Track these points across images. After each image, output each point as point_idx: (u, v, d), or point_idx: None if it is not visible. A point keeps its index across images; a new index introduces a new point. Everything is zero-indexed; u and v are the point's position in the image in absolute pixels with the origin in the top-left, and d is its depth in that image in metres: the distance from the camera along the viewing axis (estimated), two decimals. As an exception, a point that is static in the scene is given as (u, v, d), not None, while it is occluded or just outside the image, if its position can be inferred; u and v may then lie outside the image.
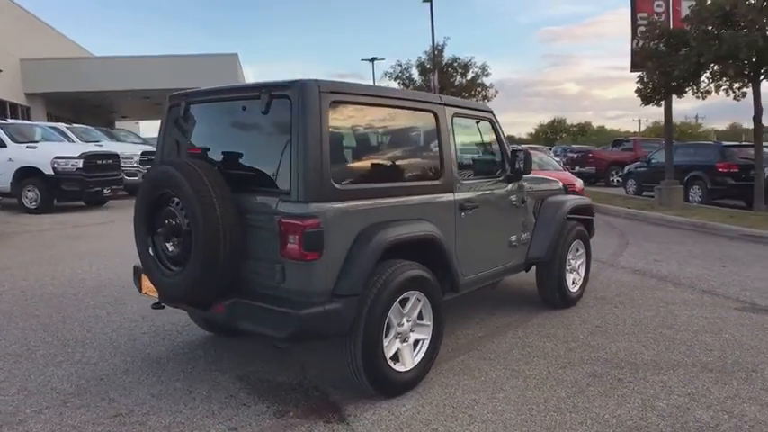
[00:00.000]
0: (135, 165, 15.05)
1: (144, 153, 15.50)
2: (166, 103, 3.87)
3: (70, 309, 5.25)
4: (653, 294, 5.84)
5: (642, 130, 65.00)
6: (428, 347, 3.59)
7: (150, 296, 3.78)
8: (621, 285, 6.19)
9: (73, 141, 14.60)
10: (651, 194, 15.14)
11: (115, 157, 13.15)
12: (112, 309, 5.25)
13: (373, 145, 3.64)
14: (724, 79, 11.39)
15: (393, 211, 3.40)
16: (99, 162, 12.40)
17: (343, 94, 3.23)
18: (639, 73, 12.75)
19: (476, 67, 31.83)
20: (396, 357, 3.41)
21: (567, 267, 5.17)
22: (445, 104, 3.96)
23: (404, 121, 3.74)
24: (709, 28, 10.36)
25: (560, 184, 5.74)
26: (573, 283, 5.32)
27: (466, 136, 4.17)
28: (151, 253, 3.42)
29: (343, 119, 3.28)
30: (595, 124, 75.73)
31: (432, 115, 3.84)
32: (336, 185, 3.10)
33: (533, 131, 77.42)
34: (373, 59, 44.25)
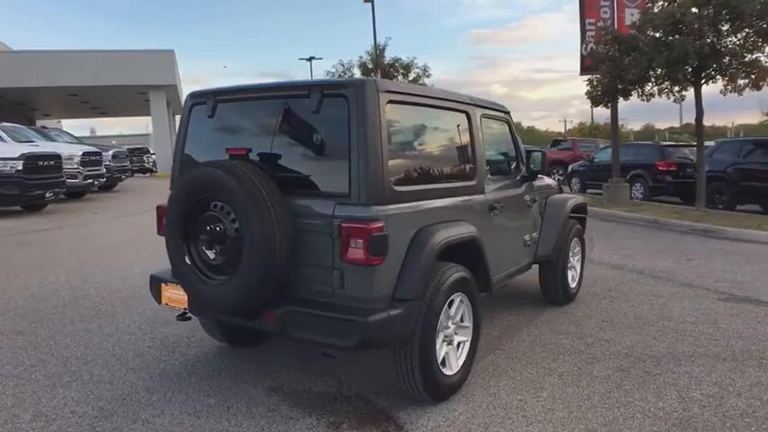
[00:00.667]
0: (76, 166, 14.14)
1: (85, 154, 14.60)
2: (188, 100, 3.65)
3: (54, 323, 4.84)
4: (639, 288, 6.08)
5: (568, 129, 67.80)
6: (469, 349, 3.57)
7: (173, 307, 3.56)
8: (606, 281, 6.41)
9: (5, 141, 13.53)
10: (595, 192, 15.87)
11: (57, 158, 12.31)
12: (102, 321, 4.89)
13: (421, 146, 3.57)
14: (667, 83, 12.06)
15: (440, 213, 3.36)
16: (40, 164, 11.56)
17: (396, 93, 3.15)
18: (589, 76, 13.29)
19: (417, 67, 32.17)
20: (443, 361, 3.36)
21: (568, 265, 5.29)
22: (476, 105, 3.95)
23: (445, 121, 3.70)
24: (658, 35, 10.92)
25: (555, 183, 5.88)
26: (572, 279, 5.46)
27: (490, 136, 4.18)
28: (188, 262, 3.20)
29: (396, 119, 3.19)
30: (522, 125, 78.24)
31: (465, 116, 3.82)
32: (394, 187, 3.02)
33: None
34: (311, 58, 43.91)
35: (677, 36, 10.47)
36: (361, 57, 33.06)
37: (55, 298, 5.63)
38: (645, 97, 12.72)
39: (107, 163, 16.57)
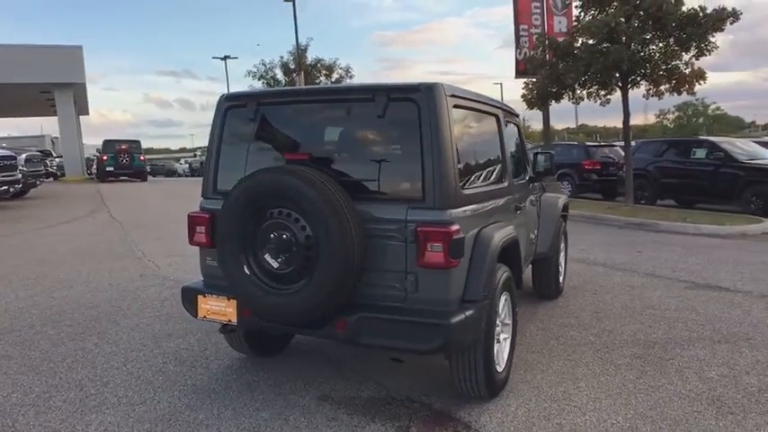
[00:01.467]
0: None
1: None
2: (222, 103, 3.49)
3: (41, 344, 4.45)
4: (612, 280, 6.50)
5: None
6: (510, 346, 3.68)
7: (214, 320, 3.40)
8: (578, 274, 6.77)
9: None
10: None
11: (12, 158, 11.28)
12: (97, 339, 4.56)
13: (474, 149, 3.63)
14: (595, 87, 12.89)
15: (492, 214, 3.45)
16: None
17: (458, 98, 3.19)
18: (525, 80, 13.94)
19: (341, 68, 32.14)
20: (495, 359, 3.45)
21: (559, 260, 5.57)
22: (501, 108, 4.08)
23: (487, 124, 3.78)
24: (591, 42, 11.66)
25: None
26: (560, 274, 5.74)
27: (509, 139, 4.32)
28: (247, 272, 3.07)
29: (458, 123, 3.23)
30: None
31: (496, 119, 3.93)
32: (462, 190, 3.07)
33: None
34: (226, 57, 42.61)
35: (609, 44, 11.23)
36: (282, 57, 32.61)
37: (27, 316, 5.16)
38: (575, 100, 13.53)
39: (21, 167, 15.24)
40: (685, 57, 11.62)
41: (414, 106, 2.95)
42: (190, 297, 3.49)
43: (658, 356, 4.14)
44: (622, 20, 10.75)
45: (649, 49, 11.61)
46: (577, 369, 3.92)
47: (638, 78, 11.86)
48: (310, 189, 2.82)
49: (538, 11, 14.24)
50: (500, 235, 3.32)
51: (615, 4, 11.65)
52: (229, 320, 3.34)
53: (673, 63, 11.59)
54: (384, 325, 2.93)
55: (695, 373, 3.85)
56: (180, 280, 6.42)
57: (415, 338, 2.89)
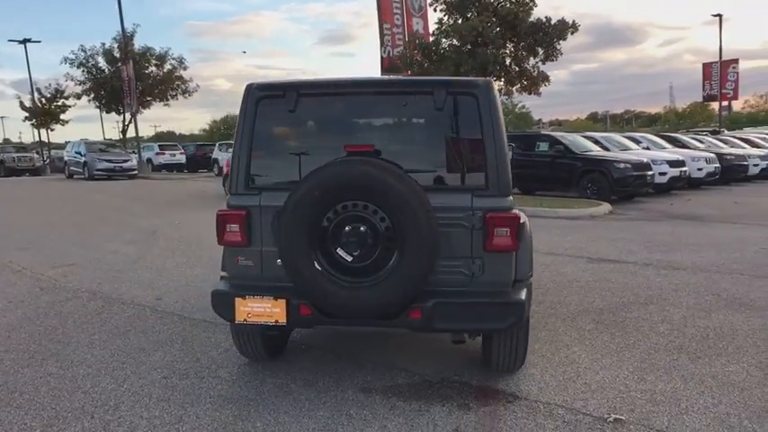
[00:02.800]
0: None
1: None
2: (252, 93, 3.29)
3: (33, 374, 3.75)
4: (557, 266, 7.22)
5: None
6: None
7: (257, 322, 3.23)
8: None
9: None
10: None
11: None
12: (57, 362, 3.97)
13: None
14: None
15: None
16: None
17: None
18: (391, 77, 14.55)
19: (173, 59, 30.14)
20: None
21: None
22: None
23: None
24: (455, 42, 12.62)
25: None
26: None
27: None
28: (318, 268, 2.97)
29: None
30: None
31: None
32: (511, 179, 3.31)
33: (207, 128, 76.29)
34: (26, 41, 37.34)
35: (474, 47, 12.26)
36: (103, 43, 29.66)
37: (-64, 347, 4.26)
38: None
39: None
40: (533, 61, 13.10)
41: (473, 100, 3.12)
42: (225, 300, 3.25)
43: (612, 320, 4.81)
44: (489, 25, 11.81)
45: (503, 53, 12.85)
46: (560, 337, 4.41)
47: (497, 79, 13.10)
48: (397, 181, 2.85)
49: (398, 11, 14.92)
50: (526, 218, 3.63)
51: (474, 10, 12.73)
52: (276, 321, 3.19)
53: (524, 66, 12.98)
54: (460, 309, 3.07)
55: (650, 330, 4.56)
56: (99, 292, 5.79)
57: (491, 319, 3.08)
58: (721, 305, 5.18)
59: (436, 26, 13.51)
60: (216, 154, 26.72)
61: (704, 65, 34.49)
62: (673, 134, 21.92)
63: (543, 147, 14.82)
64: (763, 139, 22.55)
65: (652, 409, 3.22)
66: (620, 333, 4.47)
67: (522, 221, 3.12)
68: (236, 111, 3.39)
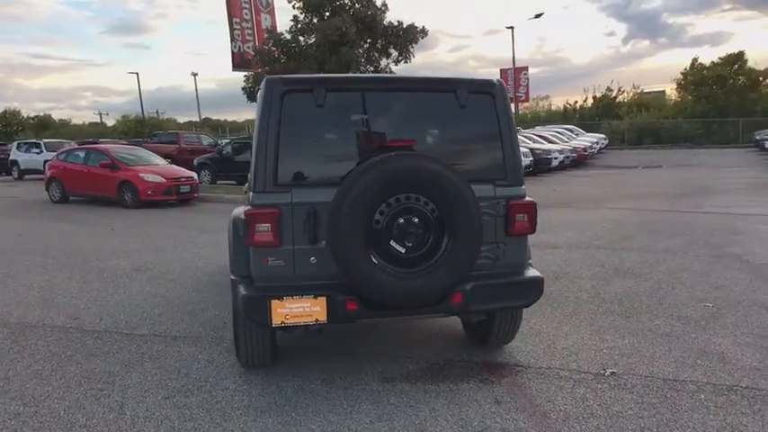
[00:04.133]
0: None
1: None
2: (276, 87, 3.17)
3: (-70, 428, 3.05)
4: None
5: (112, 123, 64.06)
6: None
7: (296, 323, 3.16)
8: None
9: None
10: (228, 183, 16.93)
11: None
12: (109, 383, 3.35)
13: None
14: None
15: None
16: None
17: None
18: (246, 73, 14.12)
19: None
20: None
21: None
22: None
23: None
24: (315, 41, 12.75)
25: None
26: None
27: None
28: (375, 261, 3.00)
29: None
30: (26, 114, 67.30)
31: None
32: None
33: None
34: None
35: (330, 45, 12.50)
36: None
37: None
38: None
39: None
40: (385, 61, 13.76)
41: (491, 99, 3.40)
42: (261, 304, 3.10)
43: (581, 292, 5.41)
44: (350, 25, 12.12)
45: (358, 53, 13.29)
46: (542, 309, 4.84)
47: (354, 77, 13.51)
48: (451, 173, 3.01)
49: (247, 5, 14.51)
50: None
51: (331, 11, 12.98)
52: (317, 320, 3.15)
53: (378, 66, 13.58)
54: (494, 290, 3.34)
55: (577, 299, 5.28)
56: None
57: (520, 296, 3.40)
58: (611, 274, 6.16)
59: (292, 23, 13.48)
60: (14, 155, 23.19)
61: (501, 71, 38.92)
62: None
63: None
64: (554, 135, 26.35)
65: (629, 361, 3.83)
66: (557, 304, 5.11)
67: (537, 208, 3.48)
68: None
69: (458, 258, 3.11)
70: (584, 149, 25.34)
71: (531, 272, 3.53)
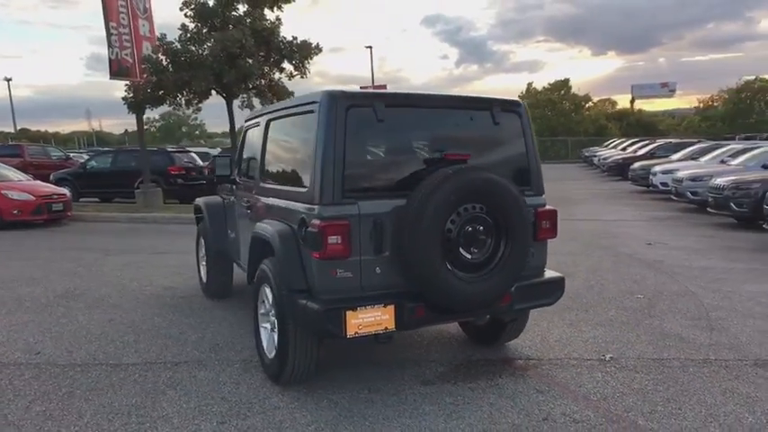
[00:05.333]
0: None
1: None
2: (340, 101, 3.22)
3: None
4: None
5: None
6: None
7: (368, 333, 3.23)
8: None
9: None
10: (89, 201, 15.61)
11: None
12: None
13: None
14: (192, 96, 13.49)
15: None
16: None
17: None
18: (127, 82, 13.12)
19: None
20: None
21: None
22: None
23: None
24: (203, 51, 12.34)
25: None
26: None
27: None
28: (449, 267, 3.18)
29: None
30: None
31: None
32: None
33: None
34: None
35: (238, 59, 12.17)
36: None
37: None
38: (176, 106, 13.75)
39: None
40: (278, 75, 13.68)
41: (517, 117, 3.76)
42: (336, 316, 3.12)
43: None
44: (250, 38, 11.88)
45: (259, 67, 13.01)
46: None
47: (252, 89, 13.20)
48: (509, 184, 3.31)
49: (124, 10, 13.48)
50: None
51: (224, 22, 12.67)
52: (386, 328, 3.24)
53: (272, 80, 13.46)
54: (531, 290, 3.67)
55: (577, 297, 5.81)
56: None
57: (549, 295, 3.78)
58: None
59: (181, 32, 12.80)
60: None
61: (361, 87, 40.29)
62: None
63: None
64: None
65: (615, 347, 4.40)
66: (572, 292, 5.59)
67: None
68: None
69: (513, 262, 3.41)
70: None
71: (550, 273, 3.93)
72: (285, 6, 13.26)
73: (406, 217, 3.16)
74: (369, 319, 3.19)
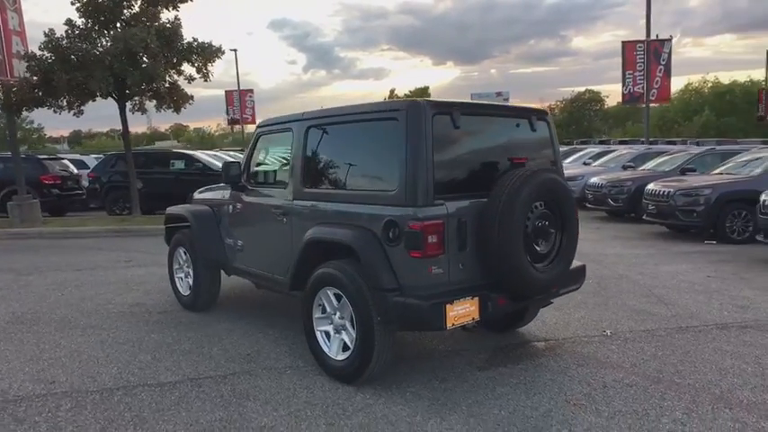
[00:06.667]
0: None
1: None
2: (427, 109, 3.45)
3: None
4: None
5: None
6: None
7: (461, 324, 3.50)
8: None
9: None
10: None
11: None
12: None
13: None
14: (74, 99, 12.35)
15: None
16: None
17: None
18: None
19: None
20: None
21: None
22: None
23: None
24: (97, 52, 11.44)
25: None
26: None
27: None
28: (528, 259, 3.54)
29: None
30: None
31: None
32: None
33: None
34: None
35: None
36: None
37: None
38: (56, 109, 12.48)
39: None
40: (175, 78, 12.99)
41: (546, 125, 4.23)
42: (437, 310, 3.34)
43: None
44: (155, 37, 11.18)
45: (157, 67, 12.19)
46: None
47: (149, 93, 12.38)
48: (566, 184, 3.76)
49: (-8, 0, 11.91)
50: None
51: (116, 20, 11.84)
52: (473, 318, 3.53)
53: (173, 83, 12.78)
54: (569, 277, 4.14)
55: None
56: None
57: (578, 281, 4.29)
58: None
59: (67, 28, 11.56)
60: None
61: (226, 92, 38.86)
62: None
63: (180, 165, 14.72)
64: None
65: (606, 324, 5.08)
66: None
67: None
68: None
69: (568, 251, 3.88)
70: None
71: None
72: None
73: (491, 215, 3.47)
74: (461, 311, 3.44)
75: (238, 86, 38.37)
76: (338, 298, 3.82)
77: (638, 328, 4.96)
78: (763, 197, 7.96)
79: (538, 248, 3.71)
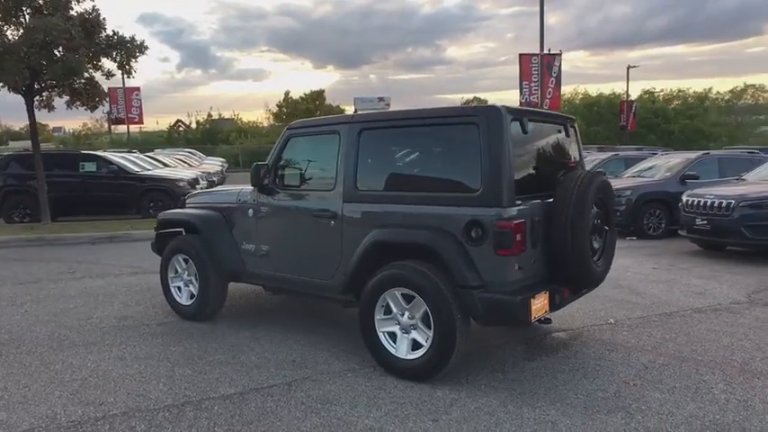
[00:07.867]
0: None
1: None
2: (505, 116, 3.65)
3: None
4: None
5: None
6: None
7: (540, 317, 3.75)
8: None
9: None
10: None
11: None
12: None
13: None
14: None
15: None
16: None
17: None
18: None
19: None
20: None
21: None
22: None
23: None
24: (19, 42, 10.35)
25: None
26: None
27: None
28: (590, 254, 3.85)
29: None
30: None
31: None
32: None
33: None
34: None
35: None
36: None
37: None
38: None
39: None
40: (93, 73, 12.02)
41: (574, 131, 4.60)
42: (524, 305, 3.54)
43: None
44: (78, 26, 10.24)
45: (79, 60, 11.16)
46: None
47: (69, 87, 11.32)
48: (611, 186, 4.13)
49: None
50: None
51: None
52: (546, 311, 3.79)
53: (92, 78, 11.83)
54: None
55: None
56: None
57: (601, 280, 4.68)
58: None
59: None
60: None
61: (110, 89, 35.91)
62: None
63: (91, 167, 13.58)
64: (181, 160, 25.59)
65: (604, 314, 5.56)
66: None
67: None
68: None
69: (611, 247, 4.25)
70: (221, 173, 26.31)
71: None
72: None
73: (562, 214, 3.75)
74: (539, 305, 3.68)
75: (123, 84, 35.73)
76: (406, 298, 3.87)
77: (633, 315, 5.50)
78: (684, 197, 9.07)
79: (595, 245, 4.05)
